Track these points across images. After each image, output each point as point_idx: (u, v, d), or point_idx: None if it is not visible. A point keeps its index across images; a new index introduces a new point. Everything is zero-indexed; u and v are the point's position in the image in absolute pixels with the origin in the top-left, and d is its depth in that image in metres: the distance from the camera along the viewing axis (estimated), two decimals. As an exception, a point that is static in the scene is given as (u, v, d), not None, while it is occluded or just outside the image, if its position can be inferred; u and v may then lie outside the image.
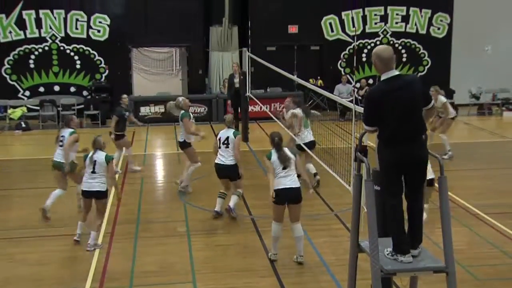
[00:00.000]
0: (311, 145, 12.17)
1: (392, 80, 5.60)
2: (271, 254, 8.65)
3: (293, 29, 21.63)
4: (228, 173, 10.36)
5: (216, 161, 10.42)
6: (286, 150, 8.54)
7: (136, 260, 8.74)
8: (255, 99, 17.37)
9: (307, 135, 12.24)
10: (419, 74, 22.15)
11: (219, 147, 10.34)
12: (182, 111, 11.73)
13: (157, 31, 20.92)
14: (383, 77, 5.64)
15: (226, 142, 10.30)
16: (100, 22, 21.11)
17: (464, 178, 12.74)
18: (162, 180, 13.76)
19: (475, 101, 21.70)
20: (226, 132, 10.37)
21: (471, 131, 18.84)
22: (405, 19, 22.25)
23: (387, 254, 5.66)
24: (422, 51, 22.43)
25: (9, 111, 19.92)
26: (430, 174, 9.26)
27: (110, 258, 8.83)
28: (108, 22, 21.10)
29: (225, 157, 10.30)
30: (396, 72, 5.65)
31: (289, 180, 8.31)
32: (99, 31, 21.12)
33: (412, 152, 5.53)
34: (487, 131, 18.34)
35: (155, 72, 22.19)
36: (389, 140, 5.57)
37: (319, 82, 21.01)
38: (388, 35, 22.17)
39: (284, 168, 8.34)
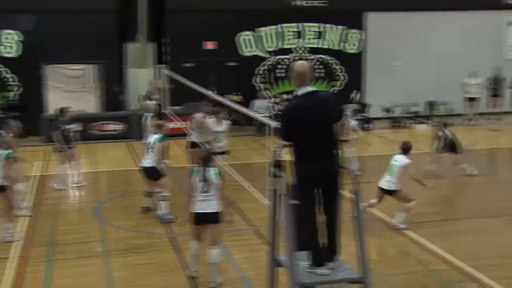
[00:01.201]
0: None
1: (307, 96, 5.69)
2: (191, 271, 8.55)
3: (209, 45, 21.67)
4: (148, 174, 10.95)
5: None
6: (212, 172, 8.20)
7: (51, 283, 8.45)
8: (173, 115, 17.26)
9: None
10: (336, 89, 22.64)
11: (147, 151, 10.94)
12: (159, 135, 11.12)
13: (71, 47, 20.45)
14: (298, 92, 5.73)
15: (151, 146, 10.98)
16: (9, 39, 20.45)
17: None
18: (79, 200, 13.41)
19: (387, 114, 22.37)
20: (152, 137, 10.98)
21: (385, 143, 19.37)
22: (319, 35, 22.73)
23: (304, 267, 5.71)
24: (337, 66, 22.97)
25: None
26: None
27: (23, 283, 8.49)
28: (21, 39, 20.49)
29: (146, 160, 10.97)
30: (311, 88, 5.74)
31: (207, 204, 8.06)
32: (11, 47, 20.48)
33: (324, 167, 5.63)
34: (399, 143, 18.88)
35: (70, 90, 21.63)
36: (302, 155, 5.66)
37: (237, 97, 21.12)
38: (303, 51, 22.57)
39: (204, 192, 8.09)
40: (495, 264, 8.99)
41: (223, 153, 12.77)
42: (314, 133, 5.58)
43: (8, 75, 20.60)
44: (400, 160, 10.78)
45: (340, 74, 22.97)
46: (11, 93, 20.66)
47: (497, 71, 21.98)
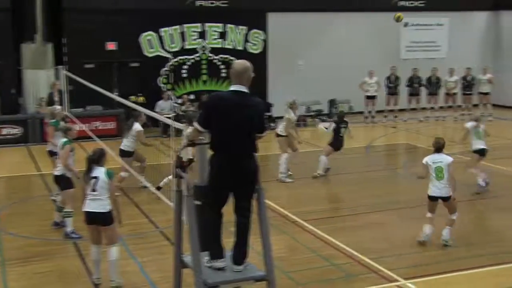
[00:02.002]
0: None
1: (236, 93, 5.69)
2: (94, 278, 8.38)
3: (111, 46, 21.27)
4: (58, 183, 10.49)
5: None
6: (102, 171, 8.17)
7: None
8: (74, 118, 16.84)
9: None
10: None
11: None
12: (65, 139, 10.34)
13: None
14: (230, 88, 5.74)
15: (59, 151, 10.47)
16: None
17: (283, 187, 13.31)
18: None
19: (291, 113, 22.72)
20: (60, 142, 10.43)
21: (289, 142, 19.67)
22: (223, 35, 22.82)
23: (205, 263, 5.75)
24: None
25: None
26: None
27: None
28: None
29: (57, 167, 10.45)
30: (244, 89, 5.73)
31: (96, 203, 8.05)
32: None
33: (237, 168, 5.64)
34: (304, 142, 19.30)
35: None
36: (217, 151, 5.66)
37: (140, 99, 20.86)
38: (206, 51, 22.59)
39: (93, 191, 8.08)
40: (393, 255, 9.39)
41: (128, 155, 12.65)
42: (231, 131, 5.57)
43: None
44: (444, 159, 9.74)
45: (251, 74, 23.12)
46: None
47: (394, 70, 22.85)
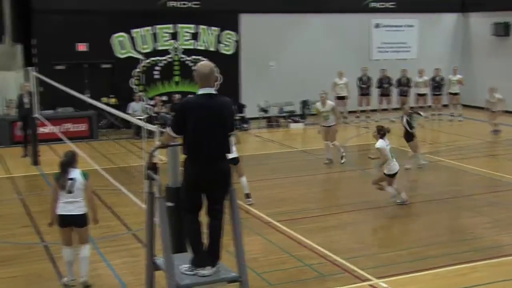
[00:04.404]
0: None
1: (207, 96, 5.69)
2: (67, 280, 8.29)
3: (81, 47, 21.07)
4: None
5: None
6: (78, 172, 8.16)
7: None
8: (44, 120, 16.63)
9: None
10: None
11: None
12: None
13: None
14: (199, 92, 5.72)
15: None
16: None
17: (256, 188, 13.31)
18: None
19: (264, 114, 22.79)
20: None
21: (261, 143, 19.74)
22: (195, 36, 22.76)
23: (185, 270, 5.71)
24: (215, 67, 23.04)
25: None
26: None
27: None
28: None
29: None
30: (212, 91, 5.74)
31: (73, 206, 8.02)
32: None
33: (213, 170, 5.64)
34: (277, 143, 19.35)
35: None
36: (192, 155, 5.65)
37: (112, 100, 20.71)
38: (178, 52, 22.50)
39: (69, 193, 8.02)
40: (365, 254, 9.45)
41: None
42: (206, 134, 5.58)
43: None
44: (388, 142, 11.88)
45: (216, 75, 23.10)
46: None
47: (365, 71, 23.02)
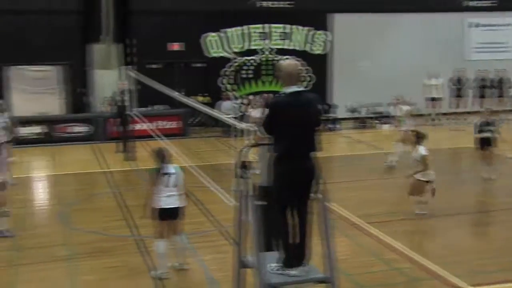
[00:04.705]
0: None
1: (295, 94, 5.70)
2: (160, 272, 8.46)
3: (175, 46, 21.58)
4: None
5: None
6: (175, 167, 8.45)
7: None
8: (139, 117, 17.13)
9: None
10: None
11: None
12: None
13: (34, 49, 20.10)
14: (286, 91, 5.74)
15: None
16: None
17: (345, 189, 13.17)
18: (44, 203, 13.24)
19: (353, 115, 22.55)
20: None
21: (350, 144, 19.54)
22: (286, 36, 22.79)
23: (274, 269, 5.71)
24: (303, 67, 23.02)
25: None
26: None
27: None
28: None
29: None
30: (299, 88, 5.76)
31: (173, 199, 8.29)
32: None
33: (303, 168, 5.63)
34: (365, 144, 19.10)
35: (33, 91, 21.28)
36: (283, 154, 5.65)
37: (205, 99, 21.09)
38: (270, 52, 22.60)
39: (168, 187, 8.30)
40: (456, 261, 9.14)
41: None
42: (297, 132, 5.59)
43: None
44: None
45: (306, 75, 23.04)
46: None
47: (460, 72, 22.32)
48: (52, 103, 21.08)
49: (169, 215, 8.31)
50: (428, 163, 11.20)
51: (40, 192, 14.39)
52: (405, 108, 15.53)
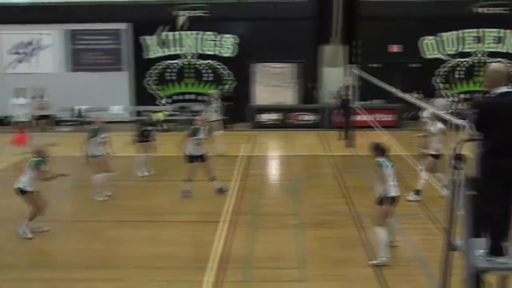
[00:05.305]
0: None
1: (504, 95, 5.36)
2: (385, 258, 8.03)
3: (394, 48, 21.17)
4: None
5: None
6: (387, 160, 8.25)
7: (254, 246, 8.82)
8: (360, 109, 17.13)
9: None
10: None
11: None
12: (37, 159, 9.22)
13: (275, 49, 21.07)
14: (496, 91, 5.39)
15: None
16: (228, 42, 21.68)
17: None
18: (277, 178, 13.88)
19: None
20: None
21: None
22: (499, 40, 21.14)
23: (482, 255, 5.38)
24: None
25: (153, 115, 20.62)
26: None
27: (233, 241, 8.98)
28: (237, 41, 21.61)
29: None
30: (507, 89, 5.40)
31: (396, 188, 8.15)
32: (228, 48, 21.73)
33: (510, 165, 5.24)
34: None
35: (272, 84, 22.37)
36: (493, 151, 5.31)
37: (419, 95, 20.40)
38: (482, 55, 21.15)
39: (391, 176, 8.10)
40: None
41: None
42: (505, 131, 5.23)
43: (224, 72, 21.84)
44: None
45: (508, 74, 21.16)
46: (226, 86, 21.86)
47: None
48: (287, 95, 21.98)
49: (392, 203, 8.14)
50: None
51: (274, 169, 15.09)
52: None
